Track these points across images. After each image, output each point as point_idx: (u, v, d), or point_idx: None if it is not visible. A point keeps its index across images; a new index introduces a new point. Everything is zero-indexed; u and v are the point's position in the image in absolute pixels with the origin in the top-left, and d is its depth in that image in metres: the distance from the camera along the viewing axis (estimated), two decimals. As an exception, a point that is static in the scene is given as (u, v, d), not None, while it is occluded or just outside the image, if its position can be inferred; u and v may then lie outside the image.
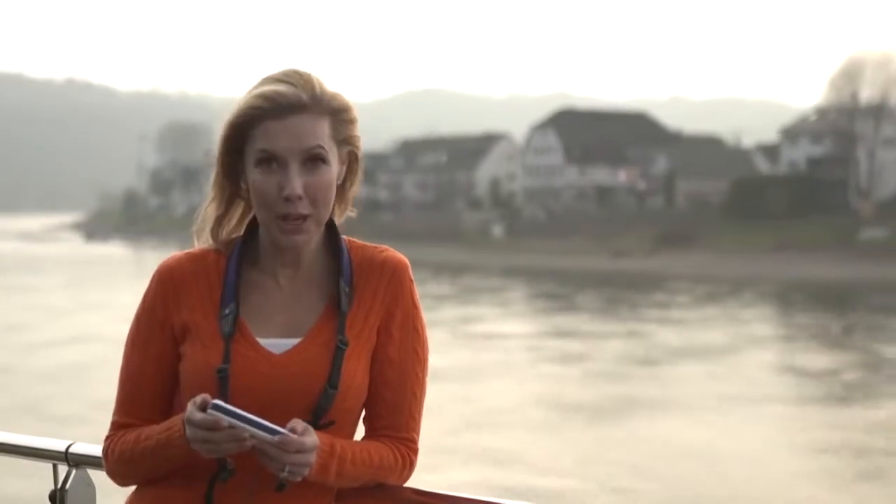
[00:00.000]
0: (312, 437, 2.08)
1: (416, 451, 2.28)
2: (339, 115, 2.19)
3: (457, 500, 2.31)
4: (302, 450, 2.06)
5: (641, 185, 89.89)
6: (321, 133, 2.17)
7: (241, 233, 2.29)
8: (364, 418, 2.27)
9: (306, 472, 2.09)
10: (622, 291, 53.61)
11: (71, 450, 2.77)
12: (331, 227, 2.27)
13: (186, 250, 2.30)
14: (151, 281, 2.27)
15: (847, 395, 23.64)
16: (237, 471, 2.18)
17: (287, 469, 2.07)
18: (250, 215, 2.28)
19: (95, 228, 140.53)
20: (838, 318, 41.76)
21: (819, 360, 28.97)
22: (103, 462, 2.30)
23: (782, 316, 43.20)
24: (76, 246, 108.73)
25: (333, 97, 2.19)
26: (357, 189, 2.29)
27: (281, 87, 2.15)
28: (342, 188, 2.26)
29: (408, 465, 2.27)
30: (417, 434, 2.28)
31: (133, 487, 2.34)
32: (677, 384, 24.98)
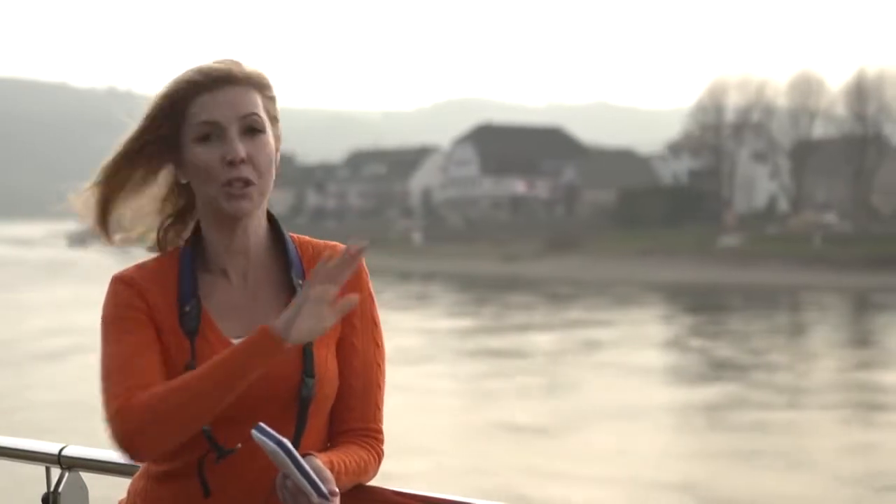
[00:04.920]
0: (336, 489, 2.08)
1: (383, 443, 2.29)
2: (265, 91, 2.26)
3: (439, 502, 2.33)
4: None
5: (544, 194, 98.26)
6: (256, 103, 2.22)
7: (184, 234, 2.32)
8: (332, 407, 2.26)
9: None
10: (489, 292, 60.75)
11: (64, 452, 2.76)
12: (272, 221, 2.29)
13: (138, 262, 2.30)
14: (114, 286, 2.24)
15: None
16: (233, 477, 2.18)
17: None
18: (193, 221, 2.30)
19: (81, 234, 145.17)
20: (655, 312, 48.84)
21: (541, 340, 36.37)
22: (117, 422, 2.10)
23: (612, 311, 50.13)
24: (56, 251, 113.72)
25: (258, 74, 2.26)
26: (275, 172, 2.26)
27: (211, 64, 2.23)
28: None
29: (379, 460, 2.28)
30: (382, 425, 2.30)
31: (125, 491, 2.31)
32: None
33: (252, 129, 2.21)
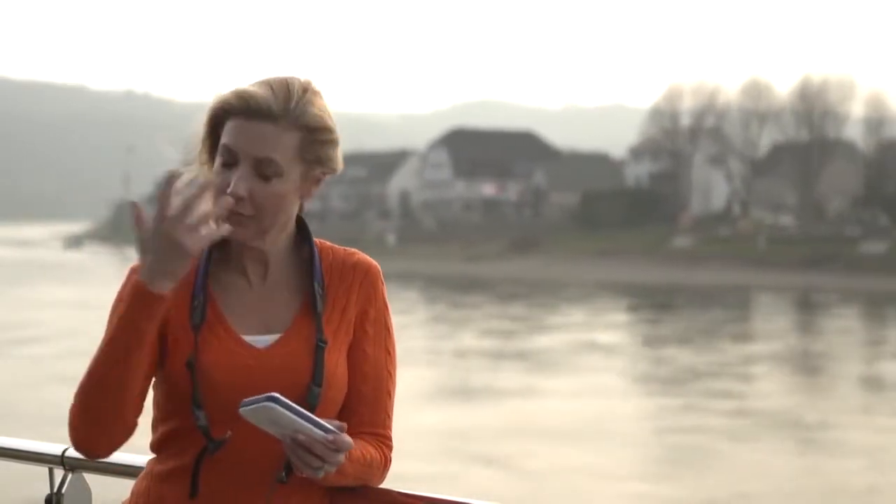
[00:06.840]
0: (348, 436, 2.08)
1: (392, 449, 2.30)
2: (313, 133, 2.16)
3: (444, 503, 2.34)
4: (347, 449, 2.06)
5: (514, 197, 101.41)
6: (284, 146, 2.13)
7: None
8: (341, 411, 2.25)
9: (334, 471, 2.08)
10: (446, 291, 63.17)
11: (67, 454, 2.76)
12: (301, 227, 2.28)
13: None
14: (127, 278, 2.22)
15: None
16: (232, 465, 2.17)
17: (325, 468, 2.05)
18: None
19: (77, 237, 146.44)
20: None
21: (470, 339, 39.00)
22: (70, 422, 2.14)
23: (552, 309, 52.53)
24: (51, 253, 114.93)
25: (308, 114, 2.15)
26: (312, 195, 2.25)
27: (258, 91, 2.14)
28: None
29: (387, 464, 2.28)
30: (391, 432, 2.30)
31: (128, 492, 2.30)
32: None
33: (265, 170, 2.14)
